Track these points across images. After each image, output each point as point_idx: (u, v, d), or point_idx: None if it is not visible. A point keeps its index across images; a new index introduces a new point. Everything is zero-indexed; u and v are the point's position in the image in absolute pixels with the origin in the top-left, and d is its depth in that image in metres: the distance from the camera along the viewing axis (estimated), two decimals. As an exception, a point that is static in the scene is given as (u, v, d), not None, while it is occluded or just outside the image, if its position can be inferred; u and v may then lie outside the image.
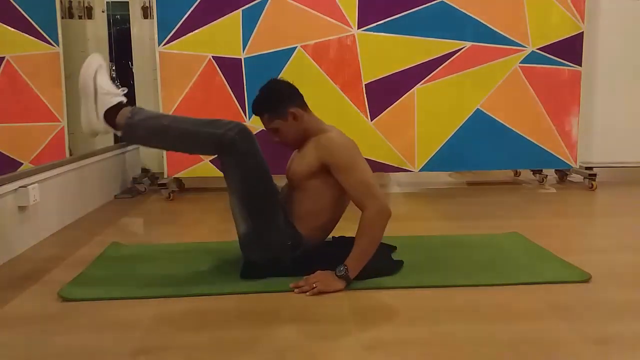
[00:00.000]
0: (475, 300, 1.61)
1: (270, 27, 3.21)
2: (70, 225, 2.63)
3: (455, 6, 3.27)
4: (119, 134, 1.75)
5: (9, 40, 2.41)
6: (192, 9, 3.18)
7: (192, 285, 1.73)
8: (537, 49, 3.35)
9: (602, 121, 3.52)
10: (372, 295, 1.66)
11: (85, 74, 1.72)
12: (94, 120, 1.72)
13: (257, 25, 3.21)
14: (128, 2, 3.48)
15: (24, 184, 2.19)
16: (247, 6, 3.20)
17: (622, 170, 3.76)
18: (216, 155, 1.76)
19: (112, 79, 3.81)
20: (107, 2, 3.51)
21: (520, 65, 3.36)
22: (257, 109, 1.84)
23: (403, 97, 3.32)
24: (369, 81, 3.29)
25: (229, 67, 3.23)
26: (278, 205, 1.78)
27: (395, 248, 2.04)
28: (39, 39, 2.67)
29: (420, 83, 3.32)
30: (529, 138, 3.42)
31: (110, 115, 1.72)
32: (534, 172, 3.82)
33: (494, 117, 3.39)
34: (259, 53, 3.23)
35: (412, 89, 3.32)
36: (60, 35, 2.87)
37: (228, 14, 3.20)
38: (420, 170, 3.41)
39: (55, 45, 2.84)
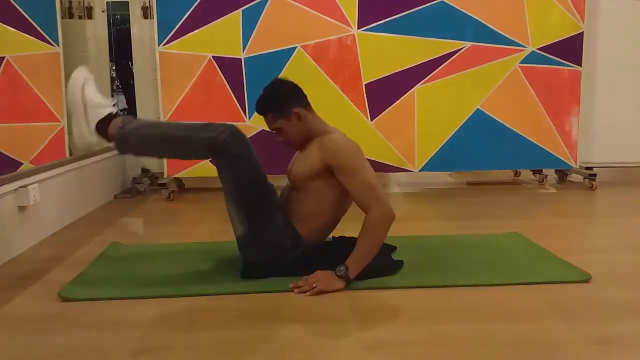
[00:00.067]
0: (475, 300, 1.61)
1: (270, 27, 3.21)
2: (70, 225, 2.63)
3: (455, 6, 3.27)
4: (112, 145, 1.75)
5: (9, 40, 2.41)
6: (192, 9, 3.18)
7: (192, 285, 1.73)
8: (537, 49, 3.35)
9: (602, 121, 3.52)
10: (372, 295, 1.66)
11: (72, 88, 1.72)
12: (86, 133, 1.72)
13: (257, 25, 3.21)
14: (128, 2, 3.48)
15: (24, 184, 2.19)
16: (247, 6, 3.19)
17: (622, 170, 3.76)
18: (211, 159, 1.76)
19: (112, 79, 3.83)
20: (107, 2, 3.51)
21: (520, 65, 3.35)
22: (260, 108, 1.84)
23: (403, 97, 3.32)
24: (369, 81, 3.29)
25: (229, 67, 3.23)
26: (274, 205, 1.78)
27: (395, 248, 2.04)
28: (39, 39, 2.67)
29: (420, 83, 3.32)
30: (529, 138, 3.42)
31: (102, 127, 1.73)
32: (534, 172, 3.82)
33: (494, 117, 3.38)
34: (259, 53, 3.23)
35: (412, 89, 3.32)
36: (60, 35, 2.87)
37: (228, 14, 3.20)
38: (420, 170, 3.41)
39: (55, 45, 2.84)
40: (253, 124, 3.23)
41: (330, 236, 1.94)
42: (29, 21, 2.57)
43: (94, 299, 1.65)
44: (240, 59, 3.23)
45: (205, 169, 3.29)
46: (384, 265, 1.82)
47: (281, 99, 1.83)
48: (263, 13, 3.20)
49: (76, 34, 3.39)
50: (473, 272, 1.84)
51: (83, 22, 3.43)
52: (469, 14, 3.29)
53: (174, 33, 3.19)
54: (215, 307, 1.59)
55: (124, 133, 1.72)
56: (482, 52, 3.32)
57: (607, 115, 3.52)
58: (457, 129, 3.37)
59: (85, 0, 3.42)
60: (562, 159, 3.47)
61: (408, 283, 1.74)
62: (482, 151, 3.40)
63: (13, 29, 2.44)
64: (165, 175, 3.31)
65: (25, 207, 2.20)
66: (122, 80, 4.37)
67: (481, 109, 3.37)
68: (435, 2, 3.26)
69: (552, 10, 3.34)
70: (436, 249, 2.12)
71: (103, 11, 3.47)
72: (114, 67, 3.98)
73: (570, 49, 3.37)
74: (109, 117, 1.73)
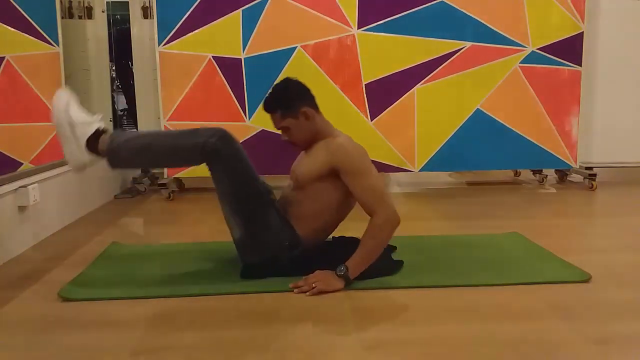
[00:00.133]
0: (475, 300, 1.61)
1: (270, 27, 3.21)
2: (70, 225, 2.63)
3: (455, 6, 3.27)
4: (104, 161, 1.75)
5: (9, 40, 2.41)
6: (192, 9, 3.18)
7: (192, 285, 1.73)
8: (537, 49, 3.35)
9: (602, 121, 3.52)
10: (372, 295, 1.66)
11: (56, 112, 1.71)
12: (77, 153, 1.72)
13: (257, 25, 3.21)
14: (128, 2, 3.48)
15: (24, 184, 2.19)
16: (247, 6, 3.19)
17: (622, 170, 3.76)
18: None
19: (112, 79, 3.83)
20: (107, 2, 3.51)
21: (520, 65, 3.36)
22: (270, 105, 1.84)
23: (403, 97, 3.32)
24: (369, 81, 3.29)
25: (229, 67, 3.23)
26: (269, 205, 1.77)
27: (395, 248, 2.04)
28: (39, 39, 2.67)
29: (420, 83, 3.32)
30: (529, 138, 3.42)
31: (92, 144, 1.72)
32: (534, 172, 3.82)
33: (494, 117, 3.38)
34: (259, 53, 3.23)
35: (412, 89, 3.32)
36: (60, 35, 2.87)
37: (228, 14, 3.20)
38: (420, 170, 3.41)
39: (55, 45, 2.84)
40: (253, 124, 3.23)
41: (330, 236, 1.94)
42: (29, 21, 2.57)
43: (94, 299, 1.65)
44: (240, 59, 3.23)
45: (205, 169, 3.27)
46: (384, 265, 1.82)
47: (291, 96, 1.83)
48: (263, 13, 3.20)
49: (76, 34, 3.39)
50: (473, 272, 1.84)
51: (83, 22, 3.43)
52: (469, 14, 3.29)
53: (174, 33, 3.19)
54: (215, 307, 1.59)
55: (113, 148, 1.71)
56: (482, 52, 3.32)
57: (607, 115, 3.52)
58: (457, 129, 3.37)
59: (85, 0, 3.42)
60: (562, 159, 3.47)
61: (408, 283, 1.74)
62: (482, 151, 3.40)
63: (13, 29, 2.44)
64: (165, 175, 3.31)
65: (25, 207, 2.20)
66: (122, 80, 4.37)
67: (481, 109, 3.37)
68: (435, 2, 3.26)
69: (552, 10, 3.34)
70: (436, 249, 2.12)
71: (103, 11, 3.47)
72: (114, 67, 3.98)
73: (570, 49, 3.37)
74: (97, 134, 1.73)
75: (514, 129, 3.41)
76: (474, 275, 1.81)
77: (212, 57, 3.22)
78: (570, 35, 3.37)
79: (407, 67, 3.30)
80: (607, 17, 3.46)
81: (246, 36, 3.22)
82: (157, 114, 3.30)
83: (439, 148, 3.38)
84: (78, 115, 1.72)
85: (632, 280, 1.79)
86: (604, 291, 1.68)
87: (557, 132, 3.44)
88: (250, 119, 3.24)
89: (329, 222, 1.86)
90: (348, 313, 1.53)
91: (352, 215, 1.89)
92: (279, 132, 1.88)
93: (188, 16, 3.18)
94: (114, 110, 3.66)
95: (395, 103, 3.32)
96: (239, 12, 3.20)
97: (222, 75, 3.23)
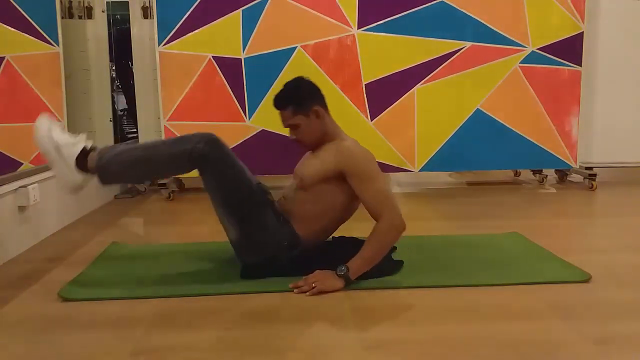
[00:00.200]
0: (475, 300, 1.61)
1: (270, 27, 3.21)
2: (70, 225, 2.63)
3: (455, 6, 3.27)
4: (95, 178, 1.75)
5: (9, 40, 2.41)
6: (192, 9, 3.18)
7: (192, 285, 1.73)
8: (537, 49, 3.35)
9: (602, 121, 3.52)
10: (372, 295, 1.66)
11: (39, 138, 1.71)
12: (69, 174, 1.72)
13: (257, 25, 3.21)
14: (128, 2, 3.48)
15: (24, 184, 2.19)
16: (247, 6, 3.19)
17: (622, 170, 3.76)
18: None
19: (112, 79, 3.82)
20: (107, 2, 3.50)
21: (520, 65, 3.35)
22: (281, 100, 1.83)
23: (403, 97, 3.32)
24: (369, 81, 3.29)
25: (229, 67, 3.23)
26: (265, 206, 1.77)
27: (395, 248, 2.03)
28: (39, 39, 2.67)
29: (420, 83, 3.32)
30: (529, 138, 3.42)
31: (81, 163, 1.72)
32: (534, 172, 3.82)
33: (494, 117, 3.38)
34: (259, 53, 3.23)
35: (412, 89, 3.32)
36: (60, 35, 2.87)
37: (228, 14, 3.20)
38: (420, 170, 3.41)
39: (55, 45, 2.84)
40: (253, 124, 3.23)
41: (330, 236, 1.94)
42: (29, 21, 2.57)
43: (94, 299, 1.65)
44: (240, 59, 3.23)
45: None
46: (384, 265, 1.82)
47: (303, 94, 1.84)
48: (263, 13, 3.20)
49: (76, 34, 3.39)
50: (473, 272, 1.84)
51: (83, 22, 3.43)
52: (469, 14, 3.29)
53: (174, 33, 3.19)
54: (215, 307, 1.59)
55: (102, 164, 1.72)
56: (482, 52, 3.32)
57: (607, 115, 3.52)
58: (457, 129, 3.37)
59: (85, 0, 3.42)
60: (562, 159, 3.47)
61: (408, 283, 1.74)
62: (482, 151, 3.40)
63: (13, 29, 2.44)
64: (165, 175, 3.31)
65: (25, 207, 2.20)
66: (122, 80, 4.36)
67: (481, 109, 3.37)
68: (435, 2, 3.26)
69: (552, 10, 3.34)
70: (436, 249, 2.12)
71: (103, 11, 3.47)
72: (114, 67, 3.98)
73: (570, 49, 3.37)
74: (85, 152, 1.73)
75: (514, 129, 3.41)
76: (474, 275, 1.81)
77: (212, 57, 3.22)
78: (570, 35, 3.37)
79: (407, 67, 3.30)
80: (607, 17, 3.46)
81: (246, 36, 3.22)
82: (157, 114, 3.30)
83: (439, 148, 3.38)
84: (61, 137, 1.73)
85: (632, 280, 1.79)
86: (604, 291, 1.68)
87: (557, 132, 3.43)
88: (250, 119, 3.24)
89: (330, 223, 1.86)
90: (348, 313, 1.53)
91: (354, 215, 1.89)
92: (287, 131, 1.87)
93: (188, 16, 3.18)
94: (114, 110, 3.65)
95: (395, 103, 3.32)
96: (239, 12, 3.20)
97: (222, 75, 3.23)
